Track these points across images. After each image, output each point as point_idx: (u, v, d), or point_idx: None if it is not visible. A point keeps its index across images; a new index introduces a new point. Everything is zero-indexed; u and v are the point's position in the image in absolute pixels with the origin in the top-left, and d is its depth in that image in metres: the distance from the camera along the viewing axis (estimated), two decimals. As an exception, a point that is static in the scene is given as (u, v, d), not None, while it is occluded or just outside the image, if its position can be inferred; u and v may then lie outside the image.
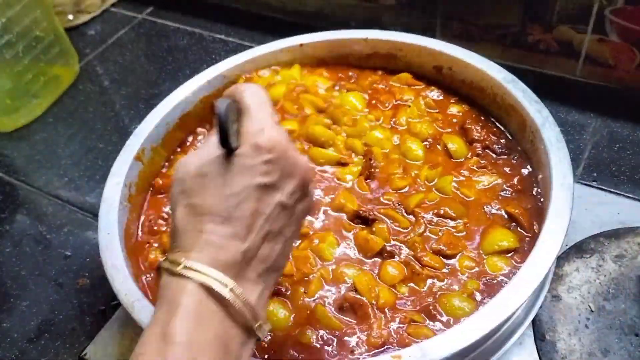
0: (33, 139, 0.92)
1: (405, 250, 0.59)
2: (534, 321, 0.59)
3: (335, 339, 0.53)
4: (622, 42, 0.76)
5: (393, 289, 0.56)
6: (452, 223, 0.61)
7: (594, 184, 0.72)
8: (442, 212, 0.61)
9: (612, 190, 0.71)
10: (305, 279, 0.58)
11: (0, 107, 0.91)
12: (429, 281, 0.56)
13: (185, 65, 1.01)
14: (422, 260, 0.57)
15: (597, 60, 0.79)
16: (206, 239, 0.39)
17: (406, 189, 0.64)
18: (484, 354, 0.53)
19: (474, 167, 0.66)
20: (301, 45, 0.78)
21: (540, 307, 0.59)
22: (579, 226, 0.66)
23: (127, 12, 1.17)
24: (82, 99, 0.98)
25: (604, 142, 0.77)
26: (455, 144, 0.68)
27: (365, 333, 0.53)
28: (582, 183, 0.72)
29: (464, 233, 0.60)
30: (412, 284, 0.57)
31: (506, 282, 0.55)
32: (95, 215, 0.75)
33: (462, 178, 0.65)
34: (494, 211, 0.62)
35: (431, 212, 0.61)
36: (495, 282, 0.55)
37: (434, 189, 0.64)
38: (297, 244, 0.61)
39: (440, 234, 0.60)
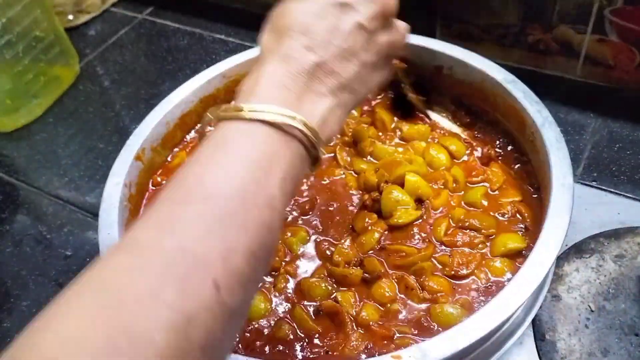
0: (33, 139, 0.92)
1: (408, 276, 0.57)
2: (534, 321, 0.59)
3: (307, 340, 0.53)
4: (621, 42, 0.76)
5: (380, 307, 0.55)
6: (478, 237, 0.59)
7: (593, 184, 0.72)
8: (467, 224, 0.60)
9: (612, 190, 0.71)
10: (274, 273, 0.58)
11: (0, 107, 0.91)
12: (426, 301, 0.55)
13: (186, 65, 1.01)
14: (425, 286, 0.55)
15: (597, 60, 0.79)
16: (284, 53, 0.42)
17: (440, 210, 0.62)
18: (484, 354, 0.53)
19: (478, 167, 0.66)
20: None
21: (540, 307, 0.59)
22: (578, 226, 0.66)
23: (127, 12, 1.17)
24: (82, 99, 0.98)
25: (604, 142, 0.77)
26: (454, 145, 0.68)
27: (342, 344, 0.52)
28: (582, 183, 0.72)
29: (484, 250, 0.58)
30: (408, 302, 0.55)
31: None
32: (95, 215, 0.75)
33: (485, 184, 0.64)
34: (505, 216, 0.61)
35: (460, 234, 0.59)
36: (494, 287, 0.55)
37: (462, 202, 0.63)
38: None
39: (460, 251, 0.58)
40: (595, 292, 0.61)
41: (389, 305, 0.55)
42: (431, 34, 0.85)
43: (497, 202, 0.62)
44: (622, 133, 0.78)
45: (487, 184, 0.64)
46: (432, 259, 0.58)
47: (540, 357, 0.57)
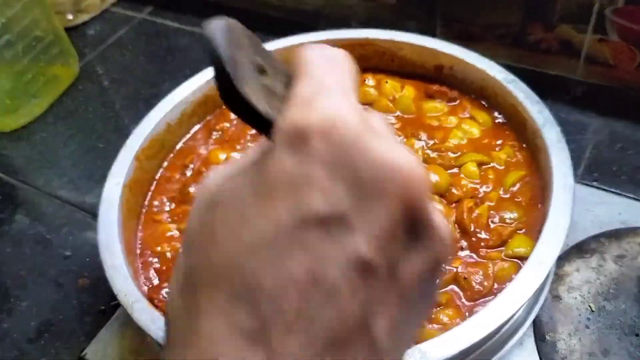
0: (32, 139, 0.92)
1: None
2: (534, 321, 0.58)
3: None
4: (622, 42, 0.76)
5: None
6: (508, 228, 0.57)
7: (594, 184, 0.72)
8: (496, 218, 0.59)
9: (613, 190, 0.71)
10: None
11: (0, 107, 0.91)
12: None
13: (186, 65, 1.01)
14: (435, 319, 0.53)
15: (598, 60, 0.79)
16: (198, 346, 0.20)
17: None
18: (484, 354, 0.53)
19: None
20: (301, 45, 0.78)
21: (541, 307, 0.58)
22: (579, 226, 0.66)
23: (127, 11, 1.17)
24: (82, 99, 0.98)
25: (605, 142, 0.77)
26: (481, 118, 0.69)
27: None
28: (582, 183, 0.72)
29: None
30: None
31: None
32: (95, 215, 0.74)
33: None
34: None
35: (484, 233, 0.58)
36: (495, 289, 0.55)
37: (501, 190, 0.61)
38: None
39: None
40: (595, 292, 0.61)
41: None
42: (431, 33, 0.85)
43: (524, 187, 0.62)
44: (623, 133, 0.78)
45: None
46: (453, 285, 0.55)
47: (540, 358, 0.57)
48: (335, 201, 0.19)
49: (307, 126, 0.19)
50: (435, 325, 0.52)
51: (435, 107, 0.71)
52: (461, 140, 0.66)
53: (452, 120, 0.69)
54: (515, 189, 0.61)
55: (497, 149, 0.66)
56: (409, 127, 0.68)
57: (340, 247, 0.19)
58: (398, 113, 0.71)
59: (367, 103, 0.72)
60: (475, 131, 0.67)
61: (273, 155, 0.20)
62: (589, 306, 0.60)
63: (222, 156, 0.70)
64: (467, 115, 0.69)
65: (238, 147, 0.71)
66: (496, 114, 0.70)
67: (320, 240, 0.19)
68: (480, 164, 0.63)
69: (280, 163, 0.19)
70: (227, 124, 0.74)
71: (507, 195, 0.61)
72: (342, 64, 0.24)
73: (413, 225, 0.20)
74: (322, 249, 0.19)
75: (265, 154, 0.20)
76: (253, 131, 0.72)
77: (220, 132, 0.74)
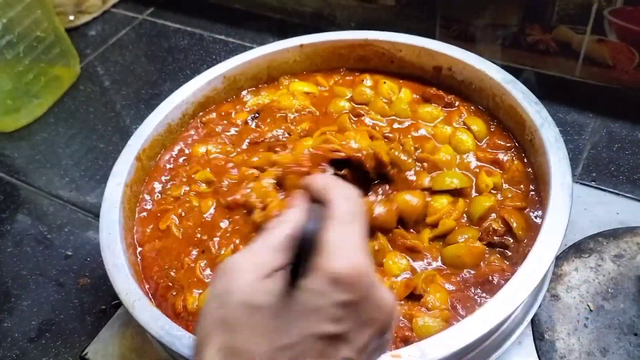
0: (34, 139, 0.92)
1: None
2: (533, 320, 0.59)
3: None
4: (620, 42, 0.76)
5: None
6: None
7: (592, 184, 0.72)
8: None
9: (611, 190, 0.71)
10: None
11: (1, 107, 0.91)
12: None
13: (186, 66, 1.01)
14: (426, 304, 0.53)
15: (596, 60, 0.79)
16: None
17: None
18: (483, 353, 0.53)
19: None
20: (301, 45, 0.78)
21: (539, 306, 0.59)
22: (577, 226, 0.67)
23: (127, 12, 1.17)
24: (83, 100, 0.98)
25: (603, 142, 0.77)
26: (476, 125, 0.68)
27: None
28: (581, 183, 0.72)
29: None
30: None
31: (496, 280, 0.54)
32: (96, 215, 0.75)
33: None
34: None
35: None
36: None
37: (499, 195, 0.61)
38: None
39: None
40: (594, 291, 0.61)
41: None
42: (431, 35, 0.85)
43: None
44: (621, 133, 0.78)
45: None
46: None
47: (539, 357, 0.57)
48: (344, 328, 0.31)
49: (340, 276, 0.31)
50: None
51: (431, 113, 0.70)
52: (447, 156, 0.64)
53: (447, 129, 0.67)
54: (485, 224, 0.58)
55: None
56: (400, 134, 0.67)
57: (337, 352, 0.31)
58: (393, 116, 0.70)
59: (363, 103, 0.73)
60: (468, 142, 0.65)
61: (307, 291, 0.31)
62: (588, 305, 0.60)
63: (202, 149, 0.70)
64: (462, 122, 0.68)
65: (219, 140, 0.71)
66: (491, 121, 0.69)
67: (325, 348, 0.31)
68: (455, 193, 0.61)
69: (314, 298, 0.31)
70: (212, 114, 0.75)
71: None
72: (360, 208, 0.35)
73: (380, 339, 0.34)
74: (324, 353, 0.31)
75: (297, 289, 0.32)
76: (238, 121, 0.73)
77: (203, 125, 0.74)
